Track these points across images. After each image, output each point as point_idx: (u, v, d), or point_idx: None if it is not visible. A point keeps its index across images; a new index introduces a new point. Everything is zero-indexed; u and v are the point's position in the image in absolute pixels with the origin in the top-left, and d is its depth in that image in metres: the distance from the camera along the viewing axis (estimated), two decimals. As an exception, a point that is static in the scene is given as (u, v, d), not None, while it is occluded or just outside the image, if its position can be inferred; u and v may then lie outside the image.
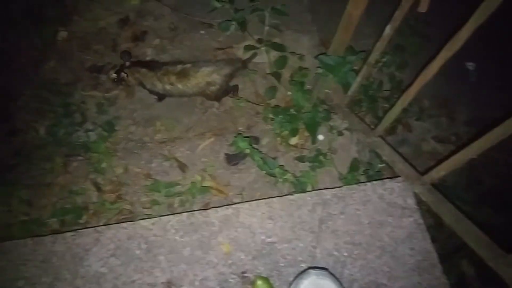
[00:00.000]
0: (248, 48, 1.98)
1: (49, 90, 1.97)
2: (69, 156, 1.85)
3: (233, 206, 1.53)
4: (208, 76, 1.86)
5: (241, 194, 1.75)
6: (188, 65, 1.88)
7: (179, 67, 1.88)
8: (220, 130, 1.93)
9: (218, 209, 1.51)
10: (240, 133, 1.82)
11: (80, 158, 1.84)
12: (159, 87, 1.91)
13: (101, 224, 1.68)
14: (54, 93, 1.97)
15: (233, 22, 2.01)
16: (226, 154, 1.85)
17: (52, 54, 2.09)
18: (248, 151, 1.69)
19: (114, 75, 1.92)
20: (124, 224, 1.46)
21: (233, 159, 1.83)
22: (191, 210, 1.63)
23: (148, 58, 2.11)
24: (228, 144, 1.87)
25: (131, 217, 1.71)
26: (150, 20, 2.23)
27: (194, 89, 1.90)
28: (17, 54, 2.06)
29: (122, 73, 1.91)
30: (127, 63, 1.93)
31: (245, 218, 1.50)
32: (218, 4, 2.03)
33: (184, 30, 2.20)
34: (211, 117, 1.98)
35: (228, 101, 2.01)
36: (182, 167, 1.83)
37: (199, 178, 1.78)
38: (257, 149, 1.74)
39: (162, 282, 1.36)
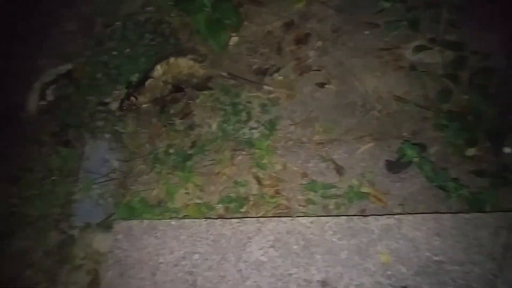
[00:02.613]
0: (418, 48, 1.83)
1: (221, 90, 2.19)
2: (235, 150, 2.02)
3: (395, 216, 1.44)
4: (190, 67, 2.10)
5: (402, 204, 1.63)
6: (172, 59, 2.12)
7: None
8: (381, 134, 1.84)
9: (378, 217, 1.45)
10: (408, 140, 1.70)
11: (244, 152, 2.00)
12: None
13: (259, 215, 1.79)
14: (225, 93, 2.18)
15: (403, 22, 1.89)
16: (387, 161, 1.75)
17: (224, 58, 2.32)
18: (416, 159, 1.56)
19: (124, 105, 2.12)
20: (283, 219, 1.53)
21: (394, 167, 1.72)
22: (347, 214, 1.61)
23: (310, 60, 2.16)
24: (390, 150, 1.77)
25: (287, 213, 1.77)
26: (314, 22, 2.27)
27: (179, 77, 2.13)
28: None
29: (131, 98, 2.08)
30: (131, 90, 2.11)
31: (408, 230, 1.39)
32: (387, 4, 1.94)
33: (348, 31, 2.17)
34: (372, 120, 1.90)
35: (391, 104, 1.90)
36: (339, 169, 1.81)
37: (356, 182, 1.73)
38: (426, 158, 1.59)
39: (318, 281, 1.36)
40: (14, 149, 2.00)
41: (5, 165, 1.95)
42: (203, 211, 1.86)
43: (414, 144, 1.61)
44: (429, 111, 1.80)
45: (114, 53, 2.24)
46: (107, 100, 2.17)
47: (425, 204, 1.60)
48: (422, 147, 1.69)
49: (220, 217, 1.79)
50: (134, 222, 1.65)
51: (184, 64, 2.11)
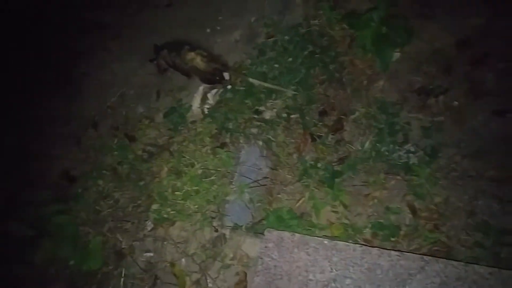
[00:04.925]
0: None
1: (377, 108, 2.09)
2: (388, 173, 1.91)
3: None
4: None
5: None
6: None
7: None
8: None
9: None
10: None
11: (398, 177, 1.87)
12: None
13: (411, 248, 1.66)
14: (382, 111, 2.07)
15: None
16: None
17: (383, 74, 2.21)
18: None
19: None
20: (453, 262, 1.38)
21: None
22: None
23: (487, 84, 1.92)
24: None
25: (446, 252, 1.59)
26: (495, 40, 2.00)
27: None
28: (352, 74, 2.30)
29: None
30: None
31: None
32: None
33: (542, 51, 1.87)
34: None
35: None
36: (519, 214, 1.56)
37: (542, 233, 1.47)
38: None
39: None
40: (182, 146, 2.22)
41: (173, 160, 2.18)
42: (349, 233, 1.80)
43: None
44: None
45: (274, 63, 2.32)
46: (261, 108, 2.26)
47: None
48: None
49: (365, 241, 1.71)
50: (286, 234, 1.68)
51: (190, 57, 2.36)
